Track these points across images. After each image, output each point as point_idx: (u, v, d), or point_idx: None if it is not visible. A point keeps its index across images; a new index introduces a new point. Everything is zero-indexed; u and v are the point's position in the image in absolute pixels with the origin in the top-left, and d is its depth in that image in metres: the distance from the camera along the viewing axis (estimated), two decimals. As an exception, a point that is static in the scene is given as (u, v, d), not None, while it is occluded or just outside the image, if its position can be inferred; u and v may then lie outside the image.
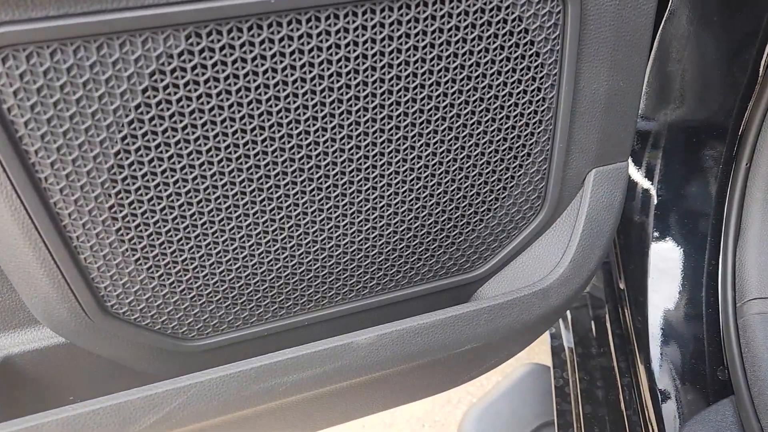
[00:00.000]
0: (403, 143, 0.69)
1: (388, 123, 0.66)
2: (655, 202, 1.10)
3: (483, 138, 0.72)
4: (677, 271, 1.06)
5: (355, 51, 0.60)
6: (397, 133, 0.68)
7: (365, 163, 0.68)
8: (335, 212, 0.71)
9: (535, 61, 0.68)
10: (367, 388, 0.84)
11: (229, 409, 0.72)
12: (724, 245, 1.03)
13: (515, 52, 0.67)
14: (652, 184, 1.11)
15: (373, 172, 0.70)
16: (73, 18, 0.51)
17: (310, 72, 0.60)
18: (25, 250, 0.62)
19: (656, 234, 1.08)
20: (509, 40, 0.66)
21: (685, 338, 1.03)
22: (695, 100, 1.09)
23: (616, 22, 0.68)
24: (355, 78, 0.62)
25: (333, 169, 0.68)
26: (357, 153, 0.67)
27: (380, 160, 0.69)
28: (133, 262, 0.67)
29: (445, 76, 0.66)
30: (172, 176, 0.62)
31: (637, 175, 1.13)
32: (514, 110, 0.71)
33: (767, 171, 1.00)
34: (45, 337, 0.76)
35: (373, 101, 0.64)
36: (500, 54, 0.66)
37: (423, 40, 0.62)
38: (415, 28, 0.61)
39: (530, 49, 0.67)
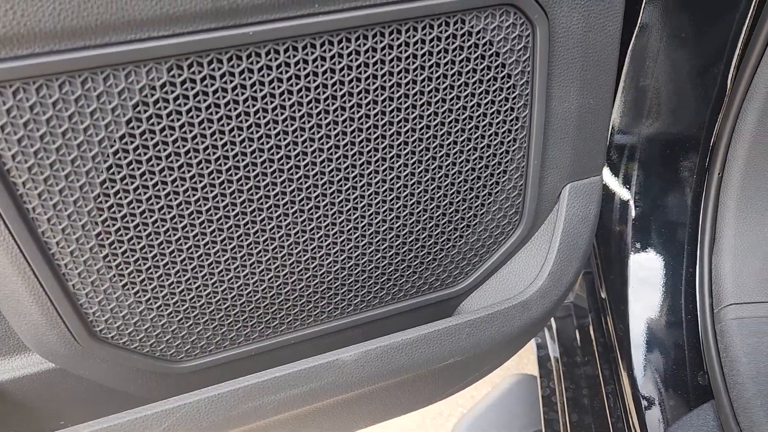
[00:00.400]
0: (382, 165, 0.71)
1: (367, 145, 0.69)
2: (633, 212, 1.13)
3: (460, 157, 0.74)
4: (656, 280, 1.08)
5: (332, 78, 0.63)
6: (375, 155, 0.70)
7: (345, 185, 0.71)
8: (317, 233, 0.73)
9: (507, 82, 0.71)
10: (354, 403, 0.85)
11: (218, 429, 0.73)
12: (701, 253, 1.06)
13: (488, 74, 0.69)
14: (630, 195, 1.13)
15: (353, 194, 0.72)
16: (58, 55, 0.53)
17: (290, 99, 0.62)
18: (14, 279, 0.63)
19: (635, 244, 1.11)
20: (481, 63, 0.68)
21: (666, 345, 1.06)
22: (669, 113, 1.12)
23: (583, 43, 0.71)
24: (334, 103, 0.64)
25: (314, 192, 0.70)
26: (337, 176, 0.69)
27: (360, 181, 0.71)
28: (120, 288, 0.68)
29: (420, 99, 0.68)
30: (157, 203, 0.64)
31: (615, 186, 1.15)
32: (489, 130, 0.73)
33: (738, 180, 1.03)
34: (35, 363, 0.77)
35: (351, 125, 0.66)
36: (473, 77, 0.69)
37: (398, 65, 0.65)
38: (390, 54, 0.64)
39: (502, 71, 0.70)
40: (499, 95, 0.71)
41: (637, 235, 1.11)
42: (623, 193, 1.14)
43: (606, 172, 1.15)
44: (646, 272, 1.10)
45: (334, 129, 0.66)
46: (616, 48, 0.74)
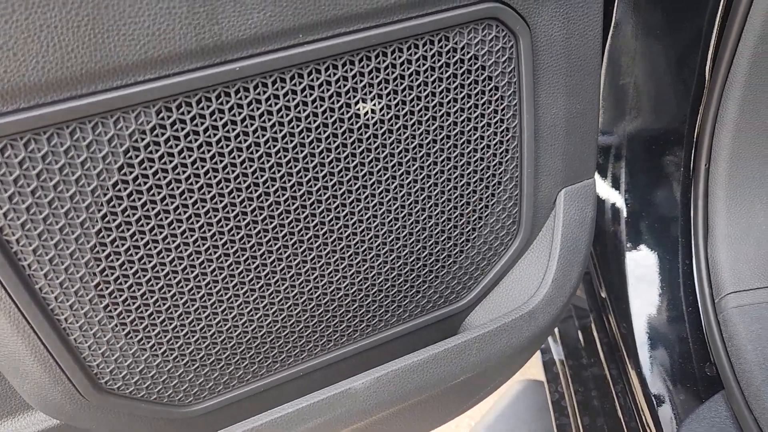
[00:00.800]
0: (378, 188, 0.70)
1: (362, 170, 0.68)
2: (625, 211, 1.13)
3: (454, 173, 0.74)
4: (654, 276, 1.09)
5: (322, 106, 0.62)
6: (371, 179, 0.69)
7: (343, 211, 0.70)
8: (319, 263, 0.72)
9: (495, 94, 0.71)
10: (368, 430, 0.84)
11: (235, 471, 0.72)
12: (695, 245, 1.06)
13: (475, 88, 0.69)
14: (620, 194, 1.14)
15: (351, 219, 0.71)
16: (44, 108, 0.51)
17: (281, 131, 0.62)
18: (14, 339, 0.62)
19: (630, 242, 1.11)
20: (468, 78, 0.68)
21: (671, 339, 1.06)
22: (651, 109, 1.13)
23: (565, 50, 0.71)
24: (325, 131, 0.64)
25: (312, 221, 0.69)
26: (334, 203, 0.69)
27: (357, 206, 0.70)
28: (123, 337, 0.67)
29: (411, 119, 0.68)
30: (155, 247, 0.62)
31: (604, 187, 1.16)
32: (481, 143, 0.73)
33: (725, 170, 1.04)
34: (39, 421, 0.75)
35: (344, 151, 0.66)
36: (461, 92, 0.69)
37: (386, 88, 0.64)
38: (377, 77, 0.63)
39: (489, 84, 0.70)
40: (488, 108, 0.71)
41: (631, 233, 1.12)
42: (613, 193, 1.15)
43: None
44: (643, 269, 1.10)
45: (328, 156, 0.65)
46: (598, 51, 0.74)
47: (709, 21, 1.02)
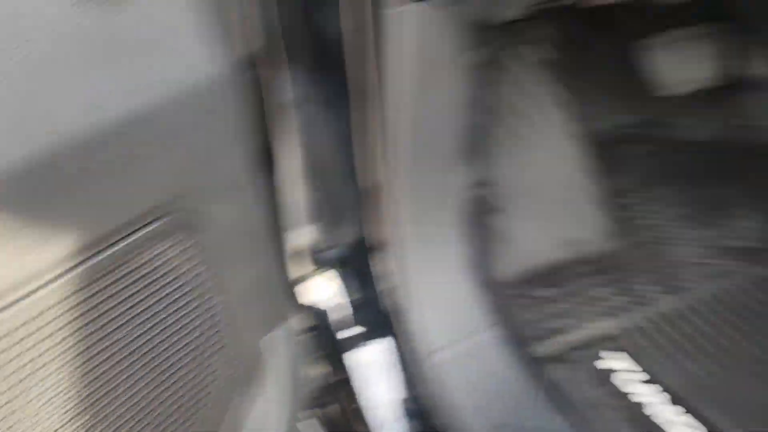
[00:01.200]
0: (95, 397, 0.75)
1: (70, 389, 0.72)
2: (347, 309, 1.28)
3: (168, 363, 0.81)
4: (379, 360, 1.24)
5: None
6: (78, 397, 0.73)
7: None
8: None
9: (186, 287, 0.79)
10: None
11: None
12: (405, 324, 1.23)
13: (166, 289, 0.77)
14: (342, 296, 1.28)
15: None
16: None
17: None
18: None
19: (355, 337, 1.26)
20: (159, 282, 0.76)
21: (401, 412, 1.23)
22: (341, 220, 1.29)
23: (232, 237, 0.83)
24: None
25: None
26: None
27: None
28: None
29: (111, 329, 0.73)
30: None
31: (327, 293, 1.29)
32: (184, 331, 0.81)
33: (410, 250, 1.22)
34: None
35: (58, 373, 0.69)
36: (155, 296, 0.76)
37: (88, 310, 0.69)
38: (83, 304, 0.68)
39: (179, 282, 0.78)
40: (182, 300, 0.79)
41: (349, 330, 1.27)
42: (337, 295, 1.29)
43: (317, 281, 1.28)
44: (369, 356, 1.25)
45: (26, 403, 0.68)
46: (264, 230, 0.87)
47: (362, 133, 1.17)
